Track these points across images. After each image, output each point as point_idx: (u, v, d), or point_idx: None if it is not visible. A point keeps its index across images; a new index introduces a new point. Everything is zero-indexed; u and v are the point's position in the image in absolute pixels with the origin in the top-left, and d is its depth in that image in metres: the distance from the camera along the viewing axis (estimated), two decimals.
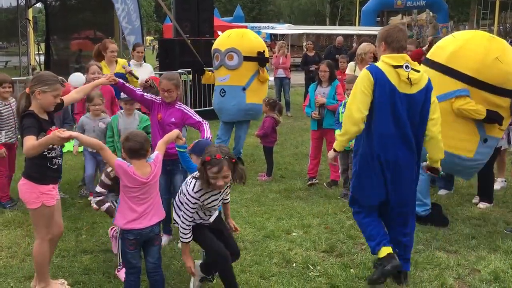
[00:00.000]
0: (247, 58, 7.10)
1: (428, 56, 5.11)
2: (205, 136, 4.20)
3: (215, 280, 3.95)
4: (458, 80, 4.67)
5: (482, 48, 4.63)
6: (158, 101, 4.57)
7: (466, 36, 4.89)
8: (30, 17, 15.30)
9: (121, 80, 4.59)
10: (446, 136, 4.76)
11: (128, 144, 3.34)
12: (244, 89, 7.16)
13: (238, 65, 7.09)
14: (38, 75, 3.63)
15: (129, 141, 3.34)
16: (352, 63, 7.31)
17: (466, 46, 4.71)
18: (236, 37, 7.28)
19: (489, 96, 4.66)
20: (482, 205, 5.69)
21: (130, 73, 6.38)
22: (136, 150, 3.32)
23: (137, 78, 6.43)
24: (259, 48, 7.25)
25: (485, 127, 4.80)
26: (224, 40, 7.33)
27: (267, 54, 7.55)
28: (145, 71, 7.21)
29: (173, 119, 4.46)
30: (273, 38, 29.20)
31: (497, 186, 6.21)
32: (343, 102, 6.03)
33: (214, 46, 7.43)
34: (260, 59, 7.11)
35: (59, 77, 3.83)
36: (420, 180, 5.07)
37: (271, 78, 13.18)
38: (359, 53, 7.10)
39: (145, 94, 4.66)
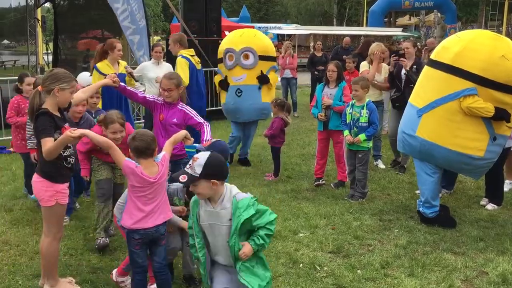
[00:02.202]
0: (261, 57, 7.19)
1: (432, 57, 5.09)
2: (205, 138, 4.21)
3: None
4: (466, 80, 4.67)
5: (488, 47, 4.64)
6: (160, 101, 4.61)
7: (471, 36, 4.87)
8: (39, 17, 15.35)
9: (122, 84, 4.64)
10: (455, 136, 4.77)
11: (134, 144, 3.34)
12: (259, 88, 7.24)
13: (254, 64, 7.16)
14: (52, 73, 3.64)
15: (135, 141, 3.35)
16: (365, 62, 7.42)
17: (472, 45, 4.70)
18: (249, 37, 7.35)
19: (496, 93, 4.66)
20: (491, 206, 5.66)
21: (131, 74, 6.38)
22: (143, 149, 3.33)
23: (136, 81, 6.46)
24: (270, 48, 7.37)
25: (493, 125, 4.79)
26: (237, 39, 7.35)
27: (274, 54, 7.57)
28: (162, 70, 7.36)
29: (175, 120, 4.49)
30: (280, 39, 29.18)
31: (505, 188, 6.17)
32: (350, 103, 6.03)
33: (225, 46, 7.40)
34: (261, 79, 7.19)
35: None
36: (430, 182, 5.08)
37: (278, 79, 13.21)
38: (369, 53, 7.27)
39: (147, 95, 4.70)
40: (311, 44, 22.98)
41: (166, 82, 4.51)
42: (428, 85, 5.01)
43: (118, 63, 6.47)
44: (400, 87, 6.92)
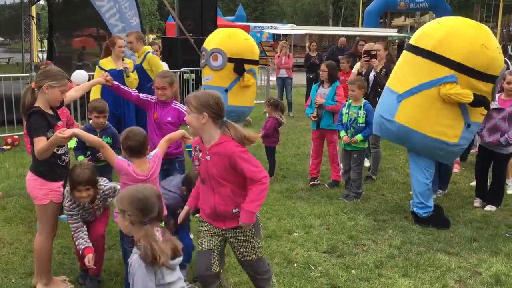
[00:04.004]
0: (231, 60, 7.01)
1: (412, 42, 5.05)
2: None
3: None
4: (446, 67, 4.71)
5: (469, 35, 4.70)
6: (154, 100, 4.58)
7: (452, 23, 4.91)
8: (34, 14, 15.28)
9: (116, 82, 4.63)
10: (433, 122, 4.84)
11: (127, 143, 3.36)
12: (226, 90, 7.11)
13: (222, 66, 7.04)
14: (45, 70, 3.63)
15: (128, 140, 3.35)
16: (359, 63, 7.41)
17: (454, 32, 4.75)
18: (224, 37, 7.17)
19: (474, 81, 4.72)
20: (489, 207, 5.69)
21: (125, 70, 6.37)
22: (136, 148, 3.34)
23: (127, 76, 6.43)
24: (246, 50, 7.13)
25: (469, 112, 4.86)
26: (212, 39, 7.26)
27: (257, 57, 7.40)
28: None
29: (169, 118, 4.46)
30: (276, 38, 29.17)
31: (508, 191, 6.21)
32: (347, 103, 6.03)
33: (204, 44, 7.38)
34: (236, 67, 7.00)
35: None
36: (421, 183, 5.10)
37: (273, 78, 13.21)
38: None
39: (141, 94, 4.66)
40: (307, 44, 22.98)
41: (160, 81, 4.48)
42: (408, 71, 5.01)
43: (123, 59, 6.47)
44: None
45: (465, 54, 4.65)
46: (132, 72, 6.47)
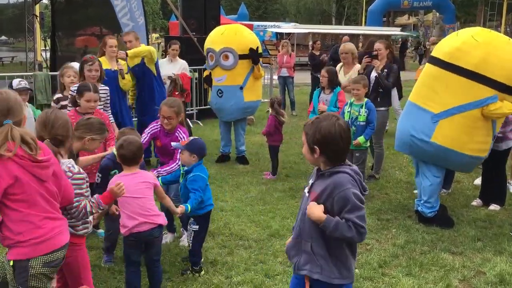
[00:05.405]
0: (242, 56, 7.00)
1: (447, 59, 4.78)
2: (166, 169, 4.21)
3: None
4: (489, 87, 4.60)
5: (508, 54, 4.62)
6: (157, 128, 4.45)
7: (488, 40, 4.69)
8: (37, 13, 15.31)
9: None
10: (472, 141, 4.80)
11: (121, 152, 3.43)
12: (241, 88, 7.13)
13: (234, 65, 7.01)
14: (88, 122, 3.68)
15: (122, 149, 3.41)
16: (340, 64, 7.21)
17: (494, 51, 4.60)
18: (230, 35, 7.11)
19: (506, 96, 4.70)
20: (493, 207, 5.66)
21: (120, 72, 6.39)
22: (128, 158, 3.41)
23: (123, 78, 6.45)
24: (253, 44, 7.14)
25: (497, 124, 4.91)
26: (217, 38, 7.16)
27: (260, 49, 7.41)
28: (175, 67, 7.65)
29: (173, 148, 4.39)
30: (279, 37, 29.16)
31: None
32: (349, 101, 6.02)
33: (207, 45, 7.29)
34: (253, 56, 7.03)
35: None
36: (432, 183, 5.08)
37: (275, 77, 13.19)
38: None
39: (143, 140, 4.35)
40: (310, 43, 22.93)
41: (167, 110, 4.29)
42: (443, 89, 4.80)
43: (117, 60, 6.45)
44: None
45: (508, 74, 4.59)
46: (126, 73, 6.50)
